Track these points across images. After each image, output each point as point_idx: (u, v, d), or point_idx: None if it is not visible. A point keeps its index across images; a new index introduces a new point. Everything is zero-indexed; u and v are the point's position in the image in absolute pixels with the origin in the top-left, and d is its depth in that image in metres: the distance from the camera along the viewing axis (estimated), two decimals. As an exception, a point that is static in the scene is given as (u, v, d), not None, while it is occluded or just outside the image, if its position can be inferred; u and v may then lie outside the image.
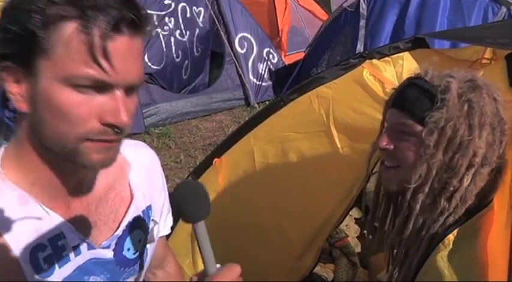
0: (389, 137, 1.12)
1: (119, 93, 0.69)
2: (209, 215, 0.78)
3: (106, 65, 0.66)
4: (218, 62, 5.16)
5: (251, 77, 5.01)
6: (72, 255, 0.79)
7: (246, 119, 4.56)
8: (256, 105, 4.91)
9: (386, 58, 1.72)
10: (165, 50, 4.56)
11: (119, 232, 0.86)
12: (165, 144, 4.18)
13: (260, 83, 5.06)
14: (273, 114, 1.91)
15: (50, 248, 0.76)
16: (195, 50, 4.87)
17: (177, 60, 4.69)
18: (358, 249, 2.40)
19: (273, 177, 1.93)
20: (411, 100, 1.09)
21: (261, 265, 1.89)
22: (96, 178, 0.84)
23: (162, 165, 1.00)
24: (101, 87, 0.68)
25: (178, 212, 0.78)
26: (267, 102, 4.93)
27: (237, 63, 4.94)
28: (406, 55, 1.70)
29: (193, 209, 0.78)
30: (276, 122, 1.92)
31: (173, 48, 4.65)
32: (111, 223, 0.86)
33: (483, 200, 1.02)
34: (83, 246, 0.80)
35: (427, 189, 1.05)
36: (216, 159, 2.03)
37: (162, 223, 1.01)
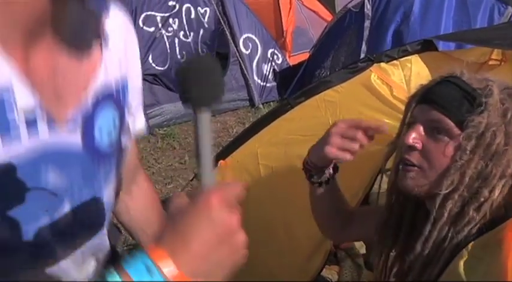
0: (419, 133, 1.03)
1: None
2: (218, 104, 0.59)
3: None
4: (223, 62, 5.16)
5: (255, 77, 5.00)
6: (23, 132, 0.56)
7: (251, 119, 4.55)
8: (260, 106, 4.89)
9: (395, 61, 1.70)
10: (169, 51, 4.56)
11: (88, 102, 0.65)
12: (169, 145, 4.17)
13: (264, 83, 5.05)
14: (279, 117, 1.90)
15: None
16: (199, 50, 4.87)
17: (182, 61, 4.69)
18: (362, 250, 2.39)
19: (277, 180, 1.92)
20: (447, 98, 1.01)
21: (271, 266, 1.89)
22: (69, 25, 0.62)
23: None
24: None
25: (180, 93, 0.58)
26: (272, 103, 4.92)
27: (241, 64, 4.93)
28: (414, 58, 1.68)
29: (197, 88, 0.56)
30: (281, 125, 1.90)
31: (177, 49, 4.64)
32: (80, 93, 0.65)
33: (509, 210, 1.00)
34: (40, 122, 0.58)
35: (456, 197, 0.99)
36: (221, 161, 2.03)
37: (138, 116, 0.83)
